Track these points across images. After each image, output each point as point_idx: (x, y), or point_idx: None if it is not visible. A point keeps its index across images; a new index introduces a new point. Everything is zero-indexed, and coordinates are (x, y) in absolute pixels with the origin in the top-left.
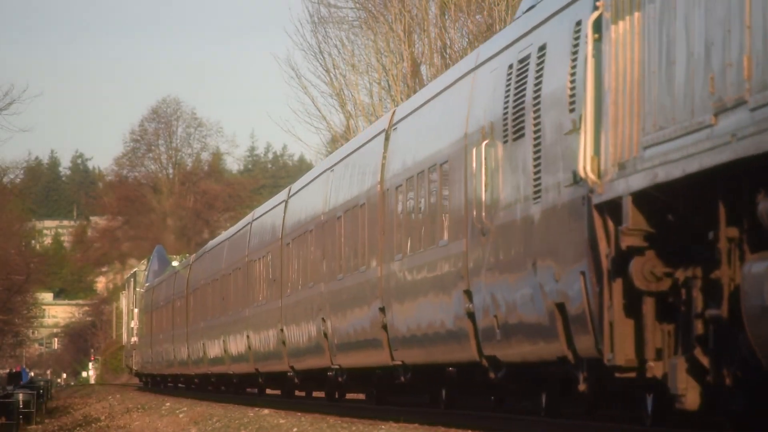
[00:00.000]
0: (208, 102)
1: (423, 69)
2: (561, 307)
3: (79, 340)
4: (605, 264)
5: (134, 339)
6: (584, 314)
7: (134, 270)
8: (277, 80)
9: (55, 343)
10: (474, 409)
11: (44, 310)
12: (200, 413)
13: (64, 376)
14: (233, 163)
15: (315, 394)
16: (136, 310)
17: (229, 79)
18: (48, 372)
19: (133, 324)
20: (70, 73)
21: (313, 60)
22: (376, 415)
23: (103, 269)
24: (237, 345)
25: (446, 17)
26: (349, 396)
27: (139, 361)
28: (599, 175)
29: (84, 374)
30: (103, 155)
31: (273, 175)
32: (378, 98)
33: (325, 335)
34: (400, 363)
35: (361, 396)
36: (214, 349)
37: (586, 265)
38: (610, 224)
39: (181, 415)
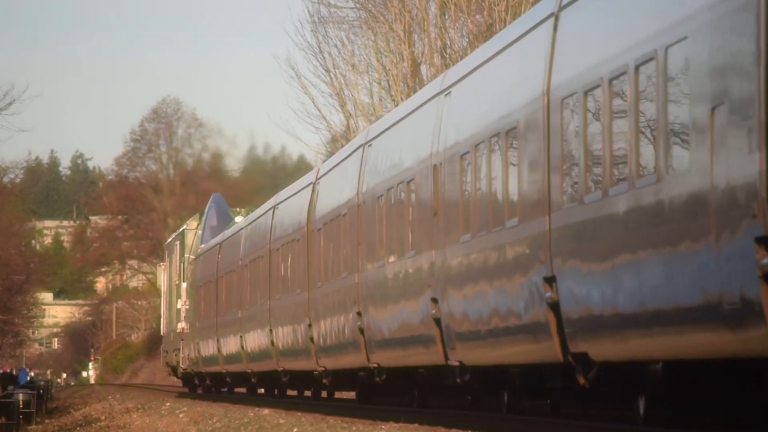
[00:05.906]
0: (209, 102)
1: (423, 69)
2: None
3: (79, 340)
4: None
5: (182, 325)
6: None
7: (181, 229)
8: (277, 80)
9: (55, 343)
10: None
11: (44, 310)
12: (200, 413)
13: (64, 376)
14: (233, 164)
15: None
16: (184, 285)
17: (229, 79)
18: (48, 372)
19: (181, 304)
20: (70, 73)
21: (313, 60)
22: (376, 416)
23: (103, 269)
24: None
25: (446, 17)
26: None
27: (190, 356)
28: None
29: (84, 374)
30: (103, 155)
31: (272, 175)
32: (378, 98)
33: None
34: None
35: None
36: (385, 324)
37: None
38: None
39: (181, 415)
